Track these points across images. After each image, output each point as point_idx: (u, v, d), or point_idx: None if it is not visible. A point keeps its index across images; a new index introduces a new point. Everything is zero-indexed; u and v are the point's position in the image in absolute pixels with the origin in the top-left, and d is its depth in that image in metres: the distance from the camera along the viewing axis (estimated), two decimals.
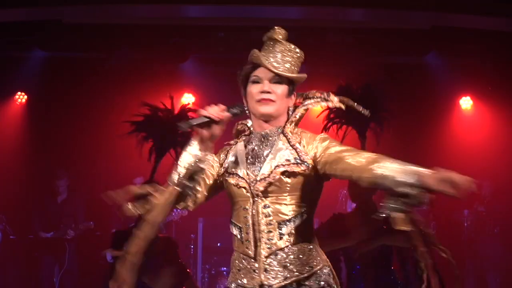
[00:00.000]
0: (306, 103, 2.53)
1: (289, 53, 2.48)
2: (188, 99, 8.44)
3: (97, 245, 7.61)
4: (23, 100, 8.53)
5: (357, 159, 2.23)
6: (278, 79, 2.46)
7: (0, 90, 8.24)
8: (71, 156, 8.12)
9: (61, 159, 8.11)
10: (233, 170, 2.49)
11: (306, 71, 2.58)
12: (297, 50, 2.50)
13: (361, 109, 2.54)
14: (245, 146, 2.54)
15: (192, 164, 2.37)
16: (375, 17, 7.38)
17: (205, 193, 2.49)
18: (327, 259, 2.50)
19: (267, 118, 2.48)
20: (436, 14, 7.21)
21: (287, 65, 2.47)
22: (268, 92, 2.44)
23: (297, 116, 2.50)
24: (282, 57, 2.47)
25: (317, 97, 2.53)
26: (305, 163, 2.38)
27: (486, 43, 7.50)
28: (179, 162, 2.40)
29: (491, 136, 8.25)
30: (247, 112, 2.51)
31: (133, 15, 7.47)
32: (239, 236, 2.46)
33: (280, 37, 2.49)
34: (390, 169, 2.10)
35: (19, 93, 8.51)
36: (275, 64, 2.45)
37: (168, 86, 8.18)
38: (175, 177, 2.40)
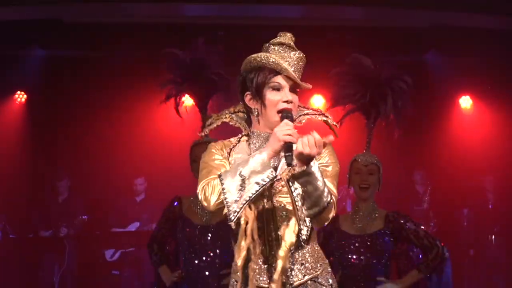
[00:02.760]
0: (306, 112, 2.58)
1: (300, 62, 2.50)
2: (188, 98, 8.40)
3: (97, 244, 7.64)
4: (23, 99, 8.52)
5: None
6: (295, 87, 2.49)
7: (0, 89, 8.23)
8: (71, 155, 8.12)
9: (61, 158, 8.11)
10: None
11: (305, 69, 2.59)
12: (305, 57, 2.53)
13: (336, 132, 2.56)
14: (248, 146, 2.55)
15: (260, 189, 2.31)
16: (374, 15, 7.38)
17: None
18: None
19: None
20: (436, 13, 7.21)
21: (300, 74, 2.51)
22: (290, 102, 2.46)
23: (301, 123, 2.53)
24: (298, 65, 2.49)
25: (316, 111, 2.59)
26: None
27: (486, 42, 7.49)
28: (240, 188, 2.29)
29: (490, 135, 8.25)
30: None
31: (133, 14, 7.47)
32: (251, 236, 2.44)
33: (293, 43, 2.51)
34: None
35: (18, 92, 8.50)
36: (295, 74, 2.47)
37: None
38: (242, 204, 2.30)
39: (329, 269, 2.55)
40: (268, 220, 2.44)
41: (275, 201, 2.45)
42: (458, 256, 7.47)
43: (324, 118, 2.56)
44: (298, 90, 2.51)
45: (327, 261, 2.56)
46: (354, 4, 7.07)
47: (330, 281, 2.51)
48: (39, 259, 7.54)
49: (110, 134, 7.98)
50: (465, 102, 8.63)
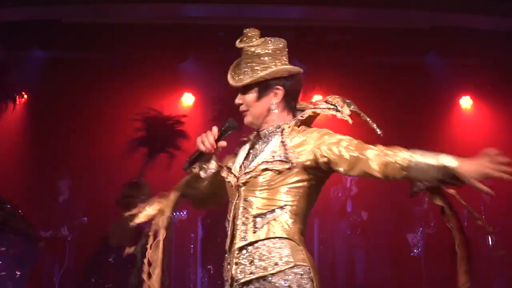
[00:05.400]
0: (318, 106, 2.50)
1: (249, 59, 2.49)
2: (188, 99, 8.44)
3: (97, 244, 7.63)
4: (23, 100, 8.52)
5: (379, 159, 2.32)
6: (243, 88, 2.52)
7: (0, 90, 8.23)
8: (71, 155, 8.11)
9: (62, 159, 8.10)
10: (229, 164, 2.57)
11: (306, 70, 2.58)
12: (259, 50, 2.49)
13: (375, 127, 2.44)
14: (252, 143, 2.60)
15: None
16: (375, 16, 7.38)
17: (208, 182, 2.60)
18: (307, 259, 2.40)
19: (251, 127, 2.56)
20: (436, 14, 7.22)
21: (247, 71, 2.49)
22: (240, 104, 2.53)
23: (303, 117, 2.48)
24: (243, 65, 2.52)
25: (330, 104, 2.47)
26: (290, 162, 2.39)
27: (486, 43, 7.50)
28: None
29: (491, 136, 8.25)
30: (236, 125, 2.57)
31: (133, 15, 7.47)
32: (227, 230, 2.50)
33: (243, 43, 2.51)
34: (422, 167, 2.29)
35: None
36: (235, 77, 2.52)
37: (168, 86, 8.20)
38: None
39: (297, 270, 2.36)
40: (234, 214, 2.47)
41: (240, 197, 2.47)
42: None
43: (334, 113, 2.46)
44: (255, 86, 2.51)
45: (299, 262, 2.38)
46: (355, 5, 7.07)
47: (287, 283, 2.35)
48: (39, 259, 7.53)
49: (110, 134, 7.97)
50: (466, 102, 8.63)
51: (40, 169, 8.12)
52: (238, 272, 2.40)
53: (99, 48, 7.79)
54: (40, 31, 7.42)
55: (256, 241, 2.39)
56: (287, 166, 2.38)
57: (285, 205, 2.40)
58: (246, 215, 2.42)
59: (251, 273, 2.38)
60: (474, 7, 6.91)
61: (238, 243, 2.41)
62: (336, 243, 8.03)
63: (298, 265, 2.37)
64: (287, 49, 2.55)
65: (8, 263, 4.60)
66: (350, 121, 2.42)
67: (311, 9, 7.23)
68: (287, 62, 2.52)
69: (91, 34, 7.42)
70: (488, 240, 7.62)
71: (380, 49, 7.83)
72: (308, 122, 2.52)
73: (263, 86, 2.49)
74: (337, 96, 2.49)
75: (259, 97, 2.50)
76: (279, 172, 2.39)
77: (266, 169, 2.41)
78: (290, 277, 2.35)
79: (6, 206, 4.54)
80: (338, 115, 2.44)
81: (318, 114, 2.51)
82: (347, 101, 2.46)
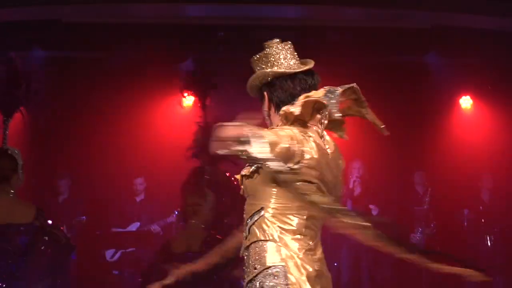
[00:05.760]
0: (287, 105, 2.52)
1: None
2: (188, 99, 8.43)
3: (97, 244, 7.63)
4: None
5: None
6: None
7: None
8: (71, 155, 8.11)
9: (62, 159, 8.10)
10: None
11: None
12: (254, 57, 2.60)
13: (334, 112, 2.40)
14: None
15: None
16: (375, 16, 7.38)
17: None
18: (287, 259, 2.37)
19: None
20: (436, 14, 7.22)
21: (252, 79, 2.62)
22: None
23: (281, 117, 2.49)
24: None
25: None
26: (252, 165, 2.43)
27: (486, 43, 7.50)
28: None
29: (490, 135, 8.25)
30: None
31: (133, 15, 7.47)
32: None
33: (263, 52, 2.60)
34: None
35: None
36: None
37: (168, 86, 8.19)
38: None
39: (270, 271, 2.35)
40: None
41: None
42: (458, 257, 7.45)
43: (288, 107, 2.47)
44: (261, 99, 2.62)
45: (277, 262, 2.36)
46: (355, 5, 7.07)
47: (258, 284, 2.36)
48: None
49: (110, 134, 7.98)
50: (466, 102, 8.64)
51: (40, 169, 8.11)
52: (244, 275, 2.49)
53: (99, 48, 7.79)
54: (40, 31, 7.42)
55: (247, 247, 2.45)
56: (250, 169, 2.44)
57: (262, 208, 2.42)
58: (244, 223, 2.51)
59: (244, 278, 2.46)
60: (474, 7, 6.91)
61: (241, 249, 2.51)
62: (336, 243, 8.03)
63: (273, 266, 2.36)
64: (278, 52, 2.58)
65: (42, 269, 4.67)
66: (296, 112, 2.41)
67: (311, 9, 7.23)
68: (271, 66, 2.55)
69: (91, 34, 7.41)
70: (487, 240, 7.63)
71: (380, 49, 7.83)
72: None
73: (259, 94, 2.61)
74: (325, 88, 2.51)
75: (262, 104, 2.61)
76: (248, 176, 2.44)
77: (243, 177, 2.48)
78: (264, 278, 2.36)
79: (43, 212, 4.67)
80: (290, 108, 2.44)
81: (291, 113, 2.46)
82: (333, 89, 2.48)
